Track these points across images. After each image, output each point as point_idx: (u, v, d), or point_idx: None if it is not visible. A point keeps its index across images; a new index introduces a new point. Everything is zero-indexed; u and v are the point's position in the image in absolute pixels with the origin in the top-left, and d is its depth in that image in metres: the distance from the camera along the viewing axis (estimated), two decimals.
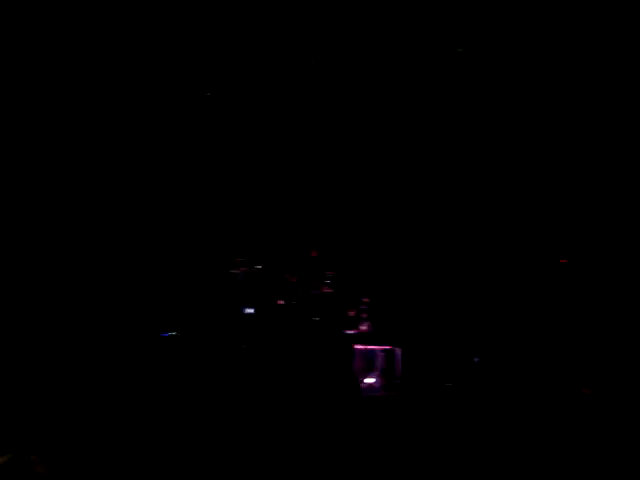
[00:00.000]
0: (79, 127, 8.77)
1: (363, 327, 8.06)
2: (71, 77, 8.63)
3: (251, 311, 8.07)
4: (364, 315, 8.16)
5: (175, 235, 10.01)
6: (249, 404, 5.79)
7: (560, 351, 5.87)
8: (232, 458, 4.28)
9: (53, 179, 8.46)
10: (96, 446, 4.42)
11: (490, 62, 8.12)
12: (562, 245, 6.98)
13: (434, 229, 8.26)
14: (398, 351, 7.80)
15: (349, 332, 7.84)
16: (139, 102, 9.44)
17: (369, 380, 7.62)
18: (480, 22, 8.08)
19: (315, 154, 9.74)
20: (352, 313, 8.13)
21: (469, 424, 5.19)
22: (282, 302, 8.22)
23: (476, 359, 6.15)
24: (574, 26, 7.36)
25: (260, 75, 9.55)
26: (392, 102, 8.76)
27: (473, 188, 8.27)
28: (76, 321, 8.01)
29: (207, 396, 6.15)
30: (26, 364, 6.63)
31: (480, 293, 6.82)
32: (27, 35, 8.03)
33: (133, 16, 8.40)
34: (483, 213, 8.15)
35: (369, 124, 9.09)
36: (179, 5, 8.37)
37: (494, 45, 8.07)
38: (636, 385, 5.36)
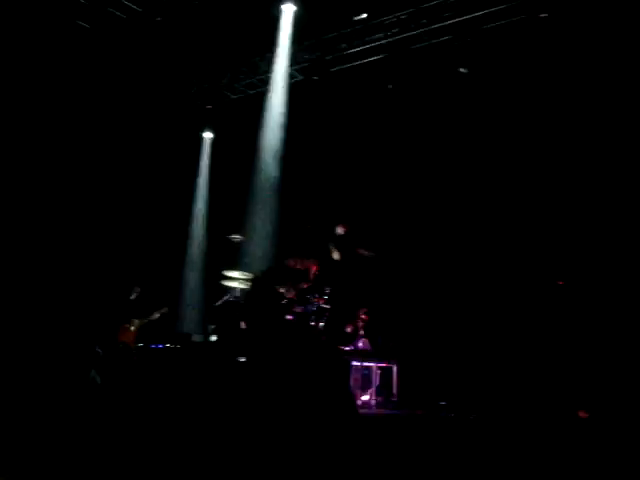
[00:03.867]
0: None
1: (360, 344, 8.05)
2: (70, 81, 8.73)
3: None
4: (361, 332, 8.15)
5: (169, 247, 10.07)
6: (244, 418, 5.79)
7: (556, 372, 5.88)
8: (227, 472, 4.29)
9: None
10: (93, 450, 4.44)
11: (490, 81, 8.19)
12: (558, 266, 7.00)
13: (432, 248, 8.28)
14: (394, 368, 7.78)
15: (346, 348, 7.83)
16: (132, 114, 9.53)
17: (365, 397, 7.60)
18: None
19: (312, 167, 9.78)
20: (349, 329, 8.13)
21: (464, 443, 5.19)
22: (279, 317, 8.21)
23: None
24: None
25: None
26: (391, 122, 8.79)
27: (469, 205, 8.31)
28: (68, 333, 8.03)
29: (202, 409, 6.14)
30: (22, 370, 6.64)
31: (477, 311, 6.84)
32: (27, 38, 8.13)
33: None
34: (480, 232, 8.18)
35: (366, 141, 9.15)
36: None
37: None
38: (631, 408, 5.37)
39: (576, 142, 7.46)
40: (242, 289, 8.76)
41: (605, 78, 7.27)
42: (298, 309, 8.06)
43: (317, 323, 7.98)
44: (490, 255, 7.93)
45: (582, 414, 5.36)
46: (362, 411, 7.13)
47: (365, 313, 8.17)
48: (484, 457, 4.70)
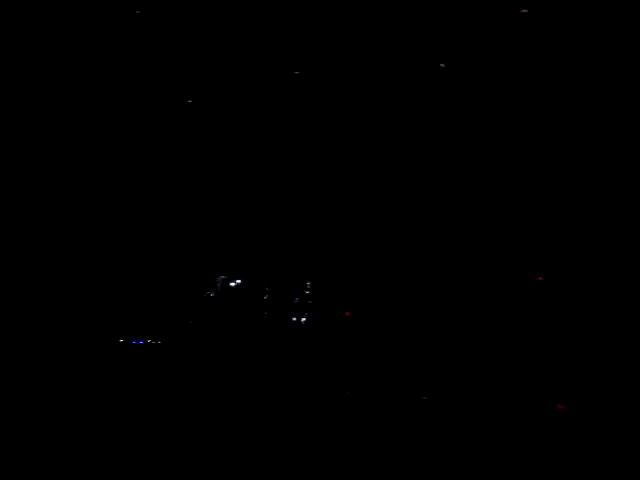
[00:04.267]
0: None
1: (342, 337, 8.04)
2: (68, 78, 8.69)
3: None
4: (344, 326, 8.15)
5: (158, 243, 10.03)
6: (232, 413, 5.79)
7: (535, 364, 5.92)
8: (221, 465, 4.28)
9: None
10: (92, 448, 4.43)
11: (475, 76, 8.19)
12: (541, 260, 7.03)
13: (419, 243, 8.29)
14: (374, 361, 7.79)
15: (328, 343, 7.83)
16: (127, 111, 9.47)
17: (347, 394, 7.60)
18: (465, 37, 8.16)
19: (296, 163, 9.77)
20: (332, 323, 8.13)
21: (449, 436, 5.22)
22: (262, 312, 8.22)
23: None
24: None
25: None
26: (372, 124, 8.75)
27: (456, 204, 8.31)
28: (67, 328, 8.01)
29: (193, 403, 6.15)
30: (22, 368, 6.63)
31: (463, 306, 6.85)
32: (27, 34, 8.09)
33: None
34: (468, 229, 8.19)
35: (350, 141, 9.13)
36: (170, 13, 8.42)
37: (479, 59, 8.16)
38: (614, 399, 5.41)
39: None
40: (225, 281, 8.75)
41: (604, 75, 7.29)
42: (280, 304, 8.07)
43: (299, 318, 8.00)
44: (475, 250, 7.96)
45: (560, 406, 5.40)
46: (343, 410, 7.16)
47: (349, 308, 8.18)
48: (467, 453, 4.72)
